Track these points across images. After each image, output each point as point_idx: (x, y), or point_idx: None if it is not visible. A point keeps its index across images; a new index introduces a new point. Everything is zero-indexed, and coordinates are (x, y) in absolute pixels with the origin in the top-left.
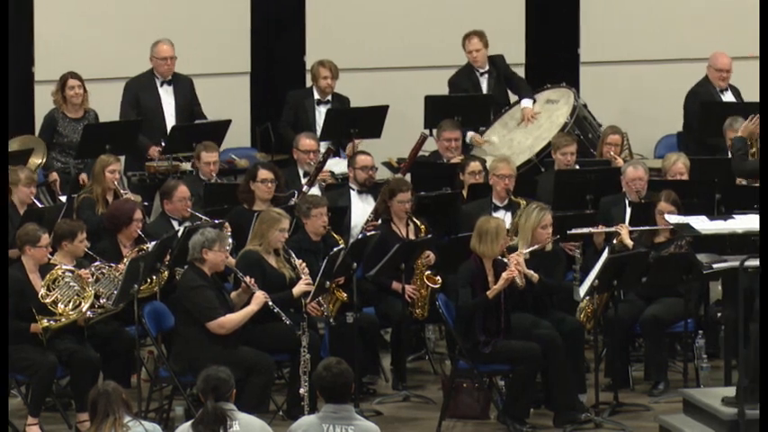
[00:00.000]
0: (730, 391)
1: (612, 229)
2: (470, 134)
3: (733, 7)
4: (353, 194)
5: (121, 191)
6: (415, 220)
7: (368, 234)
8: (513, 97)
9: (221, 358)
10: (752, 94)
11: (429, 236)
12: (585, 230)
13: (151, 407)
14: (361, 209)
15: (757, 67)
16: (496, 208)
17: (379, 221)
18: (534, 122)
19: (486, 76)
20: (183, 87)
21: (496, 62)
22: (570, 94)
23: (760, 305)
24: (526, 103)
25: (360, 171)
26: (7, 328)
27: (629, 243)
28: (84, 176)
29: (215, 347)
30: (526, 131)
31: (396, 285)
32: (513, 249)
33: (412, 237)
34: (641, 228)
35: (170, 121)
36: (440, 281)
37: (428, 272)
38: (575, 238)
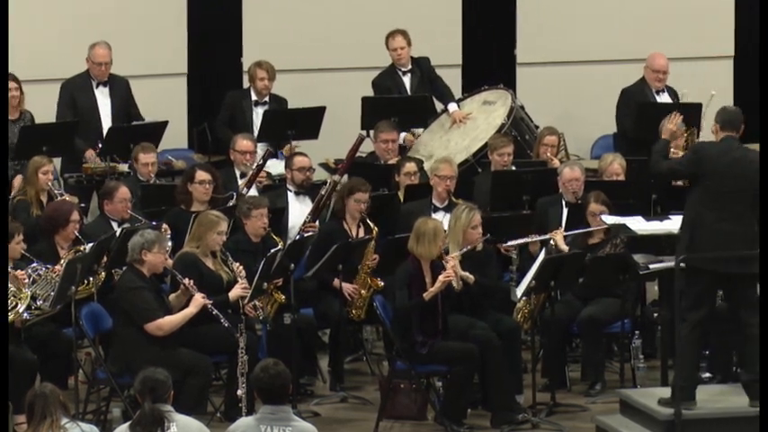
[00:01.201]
0: (667, 392)
1: (547, 236)
2: (403, 134)
3: (671, 8)
4: (291, 196)
5: (56, 192)
6: (368, 221)
7: (305, 235)
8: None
9: (159, 360)
10: (690, 95)
11: (367, 236)
12: (521, 241)
13: (89, 408)
14: (299, 210)
15: (695, 69)
16: (436, 209)
17: (317, 223)
18: (470, 123)
19: (410, 75)
20: (120, 89)
21: (421, 63)
22: (508, 96)
23: (760, 304)
24: (453, 107)
25: (297, 172)
26: (7, 327)
27: (564, 248)
28: (19, 178)
29: (153, 349)
30: (463, 132)
31: (336, 283)
32: (445, 251)
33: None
34: (575, 232)
35: (106, 122)
36: (382, 284)
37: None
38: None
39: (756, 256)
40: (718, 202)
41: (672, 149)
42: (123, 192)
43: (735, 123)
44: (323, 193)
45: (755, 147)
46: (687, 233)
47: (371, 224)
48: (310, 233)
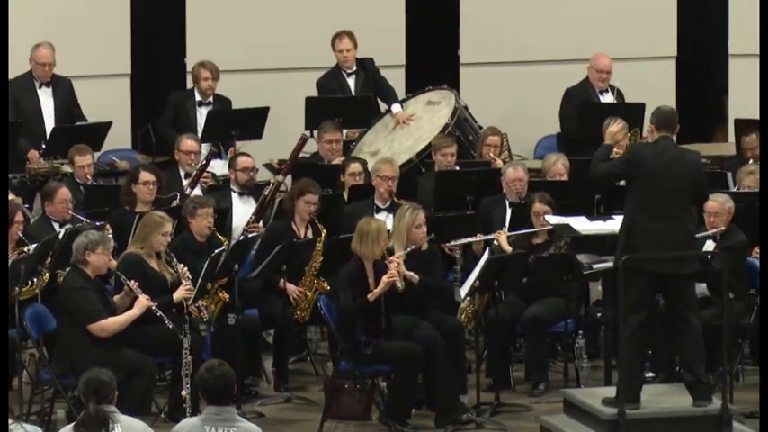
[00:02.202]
0: (610, 391)
1: (491, 236)
2: (345, 130)
3: (614, 9)
4: (234, 196)
5: None
6: (317, 223)
7: (249, 236)
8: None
9: (103, 360)
10: (633, 95)
11: (312, 237)
12: (464, 241)
13: (32, 410)
14: (242, 211)
15: (638, 69)
16: (379, 209)
17: (260, 223)
18: (415, 123)
19: (354, 76)
20: (63, 89)
21: (366, 64)
22: (452, 96)
23: (760, 303)
24: (396, 108)
25: (240, 173)
26: (7, 327)
27: (508, 249)
28: None
29: (97, 350)
30: (407, 132)
31: (281, 284)
32: (390, 251)
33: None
34: (519, 232)
35: (49, 123)
36: (328, 287)
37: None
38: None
39: (692, 257)
40: (653, 203)
41: (615, 150)
42: (63, 193)
43: (670, 123)
44: (266, 193)
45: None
46: (624, 235)
47: (321, 226)
48: (254, 233)
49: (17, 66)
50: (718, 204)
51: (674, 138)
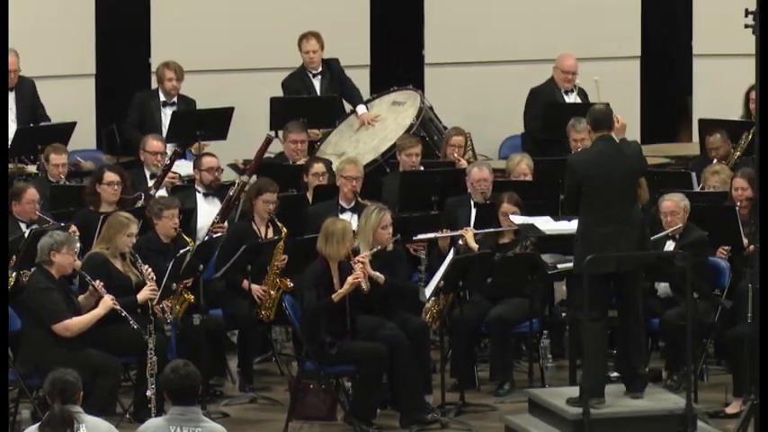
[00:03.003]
0: (575, 391)
1: (457, 233)
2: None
3: (578, 9)
4: (199, 197)
5: None
6: (277, 222)
7: (214, 236)
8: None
9: (68, 360)
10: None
11: (276, 237)
12: (431, 235)
13: None
14: (207, 211)
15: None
16: (343, 210)
17: (225, 223)
18: (380, 123)
19: (320, 77)
20: (26, 90)
21: (331, 65)
22: (417, 97)
23: (760, 304)
24: (361, 109)
25: (205, 173)
26: (7, 326)
27: (474, 246)
28: None
29: (61, 350)
30: (372, 132)
31: (245, 284)
32: (355, 251)
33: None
34: (485, 230)
35: (12, 123)
36: (291, 285)
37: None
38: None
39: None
40: (604, 205)
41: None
42: (31, 193)
43: (606, 122)
44: (231, 194)
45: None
46: (580, 241)
47: (280, 225)
48: (219, 234)
49: None
50: (673, 203)
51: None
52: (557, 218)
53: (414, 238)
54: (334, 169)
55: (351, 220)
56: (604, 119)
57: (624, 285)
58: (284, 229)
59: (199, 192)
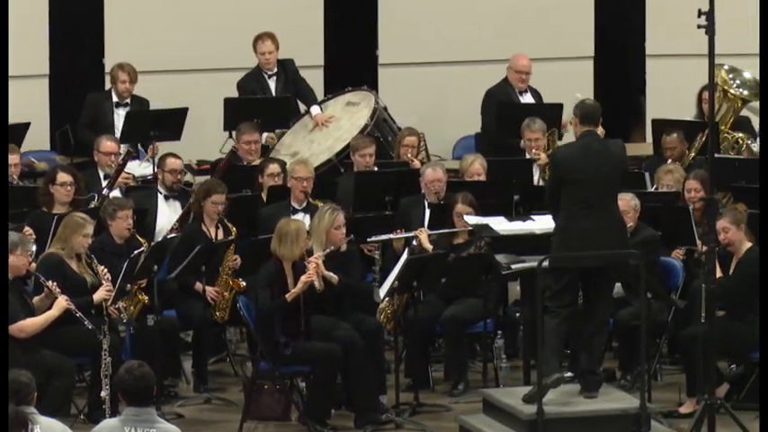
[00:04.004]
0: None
1: (411, 234)
2: (265, 134)
3: (532, 9)
4: (160, 198)
5: None
6: (226, 222)
7: (168, 237)
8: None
9: (22, 361)
10: (551, 95)
11: (228, 238)
12: (385, 237)
13: None
14: (168, 213)
15: (556, 69)
16: (295, 211)
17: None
18: (334, 124)
19: (275, 78)
20: None
21: (286, 66)
22: (371, 97)
23: (760, 303)
24: (315, 110)
25: (168, 174)
26: (7, 326)
27: (429, 247)
28: None
29: (15, 351)
30: (326, 133)
31: (198, 286)
32: (309, 252)
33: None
34: (440, 231)
35: None
36: (244, 285)
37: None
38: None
39: (604, 254)
40: (583, 198)
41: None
42: None
43: (594, 117)
44: (192, 201)
45: None
46: (559, 234)
47: (230, 225)
48: (173, 235)
49: None
50: (624, 203)
51: (598, 131)
52: (510, 218)
53: (368, 239)
54: (287, 170)
55: (303, 220)
56: (593, 114)
57: (594, 284)
58: (234, 230)
59: (160, 193)
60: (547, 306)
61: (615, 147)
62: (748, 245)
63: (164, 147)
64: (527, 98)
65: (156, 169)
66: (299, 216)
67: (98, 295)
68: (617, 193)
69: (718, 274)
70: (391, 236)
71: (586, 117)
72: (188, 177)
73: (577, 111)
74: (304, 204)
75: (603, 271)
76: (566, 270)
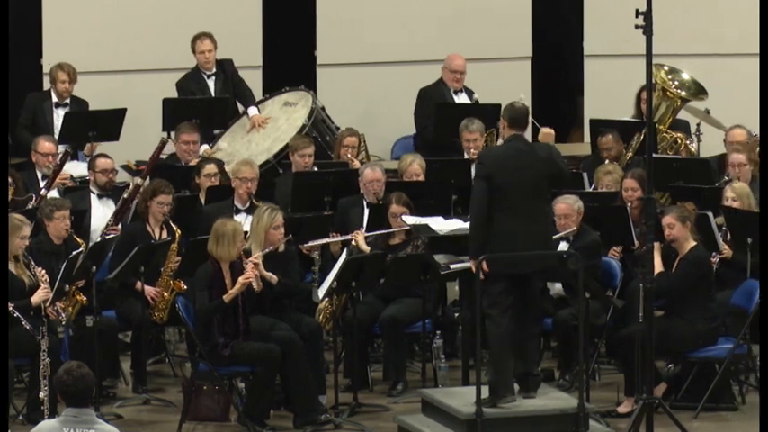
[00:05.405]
0: (468, 391)
1: (348, 237)
2: (203, 147)
3: (470, 10)
4: (93, 198)
5: None
6: (171, 224)
7: (107, 237)
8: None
9: None
10: (488, 96)
11: (168, 238)
12: (322, 241)
13: None
14: (101, 212)
15: (493, 70)
16: (238, 211)
17: (119, 225)
18: (272, 124)
19: (214, 78)
20: None
21: (225, 66)
22: (308, 97)
23: (760, 302)
24: (253, 111)
25: (100, 174)
26: (7, 326)
27: (366, 248)
28: None
29: None
30: (265, 133)
31: (138, 286)
32: (247, 253)
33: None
34: (376, 233)
35: None
36: (185, 287)
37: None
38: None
39: (546, 255)
40: (511, 202)
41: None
42: None
43: (522, 121)
44: (126, 196)
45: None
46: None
47: (174, 226)
48: (112, 235)
49: None
50: (566, 206)
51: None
52: (449, 218)
53: (305, 244)
54: (228, 170)
55: (245, 221)
56: (522, 117)
57: (524, 285)
58: (179, 232)
59: (93, 193)
60: (489, 314)
61: (543, 151)
62: (693, 243)
63: (102, 147)
64: (462, 98)
65: (87, 170)
66: (241, 216)
67: (36, 297)
68: (544, 195)
69: (660, 269)
70: (328, 240)
71: (515, 120)
72: (125, 177)
73: (506, 114)
74: (247, 205)
75: (532, 277)
76: (499, 275)
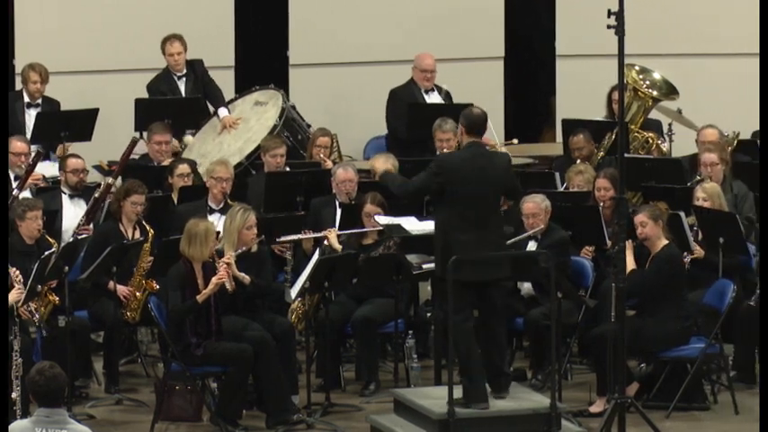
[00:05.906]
0: (441, 391)
1: (321, 234)
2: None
3: (441, 10)
4: (65, 198)
5: None
6: (144, 223)
7: (79, 238)
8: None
9: None
10: (461, 95)
11: (141, 238)
12: (294, 237)
13: None
14: (73, 212)
15: (466, 70)
16: (212, 210)
17: (91, 225)
18: (243, 125)
19: (185, 79)
20: None
21: (195, 67)
22: (279, 96)
23: (760, 302)
24: (223, 112)
25: (71, 174)
26: (7, 326)
27: (338, 247)
28: None
29: None
30: (236, 134)
31: (111, 286)
32: (219, 253)
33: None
34: (349, 231)
35: None
36: (157, 287)
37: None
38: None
39: (506, 262)
40: (466, 210)
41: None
42: None
43: (480, 128)
44: (97, 195)
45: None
46: (440, 246)
47: (147, 226)
48: (84, 235)
49: None
50: (534, 205)
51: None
52: (422, 218)
53: (277, 240)
54: (200, 170)
55: (219, 221)
56: (480, 123)
57: (483, 292)
58: (152, 232)
59: (64, 193)
60: (455, 320)
61: (500, 160)
62: (665, 242)
63: (74, 147)
64: (433, 97)
65: (59, 170)
66: (215, 216)
67: (11, 297)
68: (498, 204)
69: (632, 267)
70: (300, 236)
71: (473, 126)
72: (97, 177)
73: (464, 120)
74: (221, 205)
75: (491, 285)
76: (456, 282)
